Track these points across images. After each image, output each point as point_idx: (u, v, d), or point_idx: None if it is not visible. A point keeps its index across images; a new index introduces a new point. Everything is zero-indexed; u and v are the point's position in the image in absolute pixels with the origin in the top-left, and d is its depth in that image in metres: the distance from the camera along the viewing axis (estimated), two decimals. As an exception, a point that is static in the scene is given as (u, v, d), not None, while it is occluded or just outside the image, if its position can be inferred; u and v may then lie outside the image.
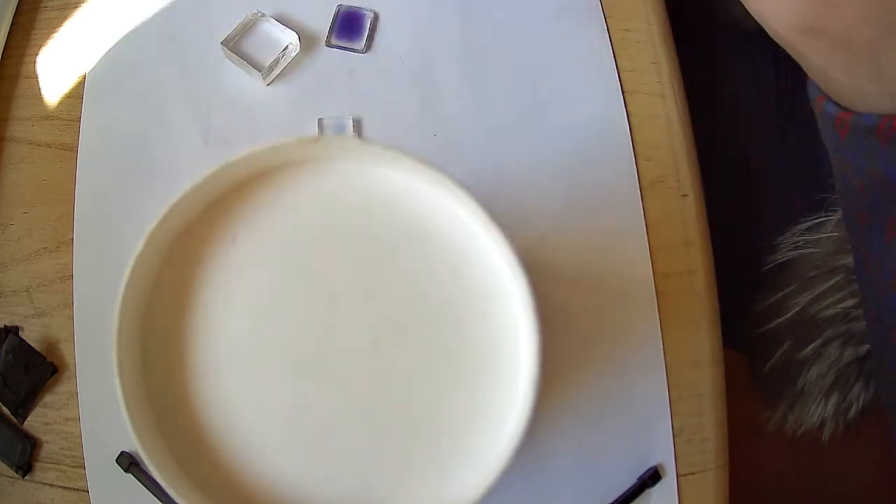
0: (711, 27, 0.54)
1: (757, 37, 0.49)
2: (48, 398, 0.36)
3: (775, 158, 0.53)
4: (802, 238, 0.44)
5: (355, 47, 0.39)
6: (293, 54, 0.39)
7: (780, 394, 0.46)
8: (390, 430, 0.25)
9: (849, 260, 0.40)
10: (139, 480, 0.34)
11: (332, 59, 0.39)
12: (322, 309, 0.25)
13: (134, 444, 0.23)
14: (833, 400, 0.44)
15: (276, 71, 0.39)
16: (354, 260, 0.26)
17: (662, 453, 0.35)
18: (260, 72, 0.38)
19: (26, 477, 0.35)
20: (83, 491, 0.35)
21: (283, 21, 0.39)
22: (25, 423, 0.36)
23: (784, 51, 0.42)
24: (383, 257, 0.26)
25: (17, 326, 0.37)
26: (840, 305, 0.41)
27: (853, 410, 0.44)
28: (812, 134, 0.45)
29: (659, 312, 0.36)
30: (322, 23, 0.40)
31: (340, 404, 0.25)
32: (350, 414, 0.25)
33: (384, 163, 0.26)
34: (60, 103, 0.39)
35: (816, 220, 0.43)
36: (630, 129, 0.38)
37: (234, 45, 0.39)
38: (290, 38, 0.39)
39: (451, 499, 0.24)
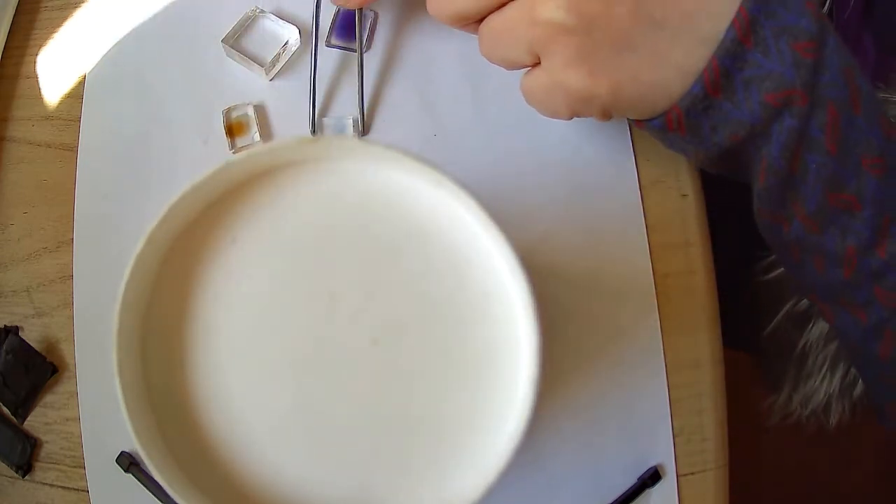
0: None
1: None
2: (48, 398, 0.36)
3: None
4: None
5: (355, 47, 0.39)
6: (294, 49, 0.39)
7: (782, 371, 0.45)
8: (390, 430, 0.25)
9: None
10: (139, 480, 0.34)
11: (332, 59, 0.39)
12: (322, 309, 0.25)
13: (134, 444, 0.23)
14: (839, 373, 0.42)
15: (278, 66, 0.39)
16: (354, 260, 0.26)
17: (662, 453, 0.35)
18: (262, 67, 0.38)
19: (26, 477, 0.35)
20: (83, 491, 0.35)
21: (283, 18, 0.39)
22: (25, 423, 0.36)
23: None
24: (383, 257, 0.26)
25: (17, 326, 0.37)
26: None
27: (859, 386, 0.42)
28: None
29: (659, 312, 0.36)
30: (322, 22, 0.40)
31: (340, 404, 0.25)
32: (350, 414, 0.25)
33: (384, 163, 0.26)
34: (60, 103, 0.39)
35: None
36: (630, 128, 0.38)
37: (235, 42, 0.39)
38: (290, 33, 0.39)
39: (451, 499, 0.24)
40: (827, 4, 0.39)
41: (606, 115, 0.29)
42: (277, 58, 0.38)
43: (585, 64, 0.27)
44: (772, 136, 0.27)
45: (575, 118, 0.31)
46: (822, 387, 0.43)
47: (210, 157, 0.38)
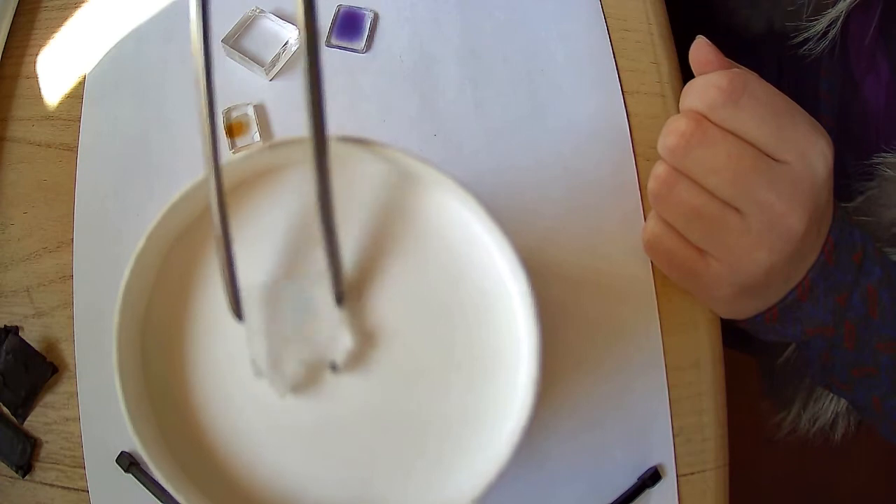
0: (713, 31, 0.54)
1: (761, 44, 0.49)
2: (48, 398, 0.36)
3: None
4: None
5: (355, 47, 0.39)
6: (294, 49, 0.39)
7: (793, 393, 0.46)
8: (390, 429, 0.25)
9: None
10: (139, 480, 0.34)
11: (332, 59, 0.39)
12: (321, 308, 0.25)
13: (134, 444, 0.23)
14: None
15: (278, 66, 0.39)
16: (354, 260, 0.26)
17: (662, 453, 0.35)
18: (262, 67, 0.38)
19: (26, 477, 0.35)
20: (83, 491, 0.35)
21: (283, 18, 0.39)
22: (25, 423, 0.36)
23: (789, 57, 0.42)
24: (383, 257, 0.26)
25: (17, 326, 0.37)
26: None
27: None
28: None
29: (659, 312, 0.36)
30: (322, 22, 0.40)
31: (340, 403, 0.25)
32: (350, 413, 0.25)
33: (384, 162, 0.26)
34: (60, 103, 0.39)
35: None
36: (630, 129, 0.38)
37: (235, 42, 0.39)
38: (290, 32, 0.39)
39: (452, 498, 0.24)
40: (839, 23, 0.39)
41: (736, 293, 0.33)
42: (277, 58, 0.38)
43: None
44: (810, 345, 0.37)
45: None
46: (831, 406, 0.44)
47: (210, 157, 0.38)
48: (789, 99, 0.31)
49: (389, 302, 0.25)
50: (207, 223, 0.26)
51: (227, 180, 0.26)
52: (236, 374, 0.25)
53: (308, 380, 0.25)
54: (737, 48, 0.54)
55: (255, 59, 0.39)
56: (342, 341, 0.24)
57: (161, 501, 0.34)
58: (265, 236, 0.26)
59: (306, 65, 0.20)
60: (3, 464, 0.35)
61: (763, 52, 0.50)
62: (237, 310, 0.24)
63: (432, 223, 0.26)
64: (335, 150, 0.26)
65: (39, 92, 0.40)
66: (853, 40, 0.42)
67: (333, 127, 0.23)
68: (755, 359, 0.54)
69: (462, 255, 0.25)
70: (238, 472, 0.24)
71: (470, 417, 0.25)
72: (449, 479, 0.24)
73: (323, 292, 0.24)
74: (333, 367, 0.24)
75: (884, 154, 0.39)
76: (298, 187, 0.26)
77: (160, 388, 0.25)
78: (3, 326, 0.36)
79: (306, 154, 0.23)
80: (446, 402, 0.25)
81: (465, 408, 0.25)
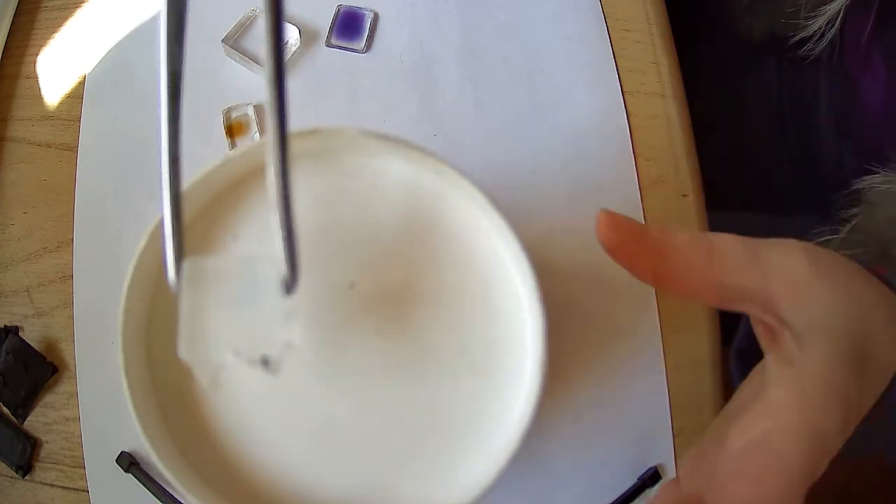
0: (713, 30, 0.54)
1: (760, 45, 0.49)
2: (48, 398, 0.36)
3: (777, 161, 0.54)
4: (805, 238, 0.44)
5: (355, 47, 0.39)
6: (294, 49, 0.39)
7: None
8: (397, 419, 0.25)
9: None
10: (139, 480, 0.34)
11: (332, 59, 0.39)
12: (325, 301, 0.25)
13: (141, 443, 0.23)
14: None
15: (277, 68, 0.39)
16: (356, 252, 0.26)
17: (662, 453, 0.35)
18: (262, 67, 0.38)
19: (26, 477, 0.35)
20: (83, 491, 0.35)
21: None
22: (25, 423, 0.36)
23: (789, 57, 0.42)
24: (386, 248, 0.26)
25: (17, 326, 0.36)
26: None
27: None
28: (814, 139, 0.45)
29: (659, 312, 0.36)
30: (322, 22, 0.40)
31: (346, 395, 0.25)
32: (356, 405, 0.25)
33: (384, 154, 0.26)
34: (60, 103, 0.39)
35: (817, 227, 0.43)
36: (630, 129, 0.38)
37: (235, 42, 0.39)
38: (290, 33, 0.39)
39: (460, 487, 0.23)
40: (837, 26, 0.39)
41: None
42: (277, 58, 0.38)
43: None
44: None
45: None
46: None
47: (210, 157, 0.37)
48: None
49: (393, 293, 0.25)
50: (209, 219, 0.26)
51: (227, 177, 0.26)
52: (241, 369, 0.25)
53: (241, 376, 0.23)
54: (737, 49, 0.54)
55: (255, 60, 0.39)
56: (284, 336, 0.21)
57: (161, 501, 0.33)
58: (267, 232, 0.26)
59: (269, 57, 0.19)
60: (3, 464, 0.35)
61: (763, 53, 0.50)
62: (292, 275, 0.20)
63: (434, 213, 0.26)
64: (334, 142, 0.26)
65: (39, 92, 0.40)
66: (850, 40, 0.42)
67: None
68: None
69: (465, 244, 0.26)
70: (242, 465, 0.24)
71: (478, 407, 0.25)
72: (458, 468, 0.24)
73: (276, 276, 0.21)
74: (265, 363, 0.21)
75: (866, 177, 0.39)
76: (299, 181, 0.26)
77: (166, 387, 0.25)
78: (3, 326, 0.36)
79: (306, 148, 0.23)
80: (453, 391, 0.25)
81: (471, 397, 0.25)
